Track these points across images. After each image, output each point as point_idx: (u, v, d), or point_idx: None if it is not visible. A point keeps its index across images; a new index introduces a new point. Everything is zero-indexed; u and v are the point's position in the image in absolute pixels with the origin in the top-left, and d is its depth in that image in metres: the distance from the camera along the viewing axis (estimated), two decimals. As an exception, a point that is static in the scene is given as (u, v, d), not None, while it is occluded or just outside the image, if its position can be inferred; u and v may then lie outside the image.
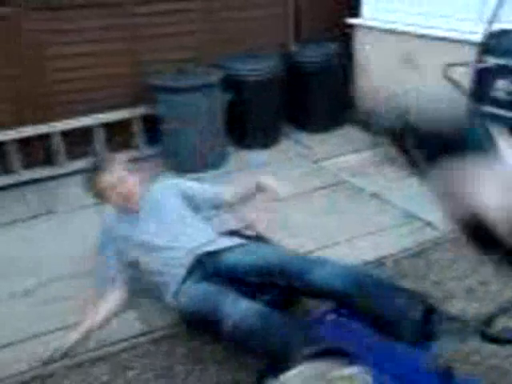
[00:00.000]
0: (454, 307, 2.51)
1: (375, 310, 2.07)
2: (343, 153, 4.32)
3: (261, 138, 4.47)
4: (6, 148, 3.95)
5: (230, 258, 2.45)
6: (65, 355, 2.34)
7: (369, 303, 2.09)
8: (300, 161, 4.23)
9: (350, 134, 4.72)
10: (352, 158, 4.22)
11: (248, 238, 2.72)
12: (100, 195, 2.60)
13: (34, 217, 3.59)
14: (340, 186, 3.79)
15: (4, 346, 2.41)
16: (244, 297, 2.22)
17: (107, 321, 2.52)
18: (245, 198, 2.88)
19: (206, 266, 2.45)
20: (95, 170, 2.59)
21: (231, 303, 2.17)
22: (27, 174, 4.05)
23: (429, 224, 3.19)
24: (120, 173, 2.58)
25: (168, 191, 2.72)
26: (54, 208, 3.69)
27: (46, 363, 2.31)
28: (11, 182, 3.99)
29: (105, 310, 2.54)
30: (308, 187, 3.77)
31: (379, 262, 2.91)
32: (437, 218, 3.20)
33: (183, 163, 4.11)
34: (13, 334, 2.46)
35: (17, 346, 2.42)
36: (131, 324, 2.51)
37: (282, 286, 2.33)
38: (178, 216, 2.63)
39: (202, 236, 2.57)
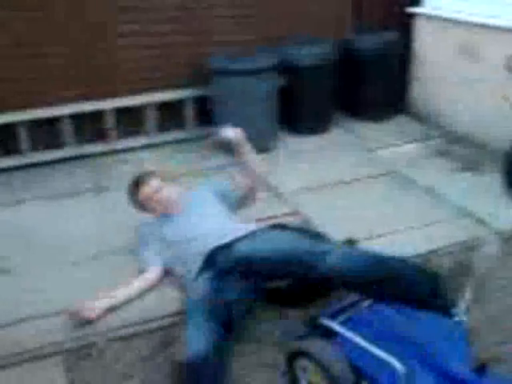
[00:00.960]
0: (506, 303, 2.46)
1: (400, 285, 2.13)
2: (396, 143, 4.22)
3: (312, 125, 4.42)
4: (60, 122, 4.03)
5: (241, 250, 2.41)
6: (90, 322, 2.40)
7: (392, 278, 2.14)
8: (352, 149, 4.15)
9: (403, 124, 4.61)
10: (405, 149, 4.12)
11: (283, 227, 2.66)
12: (142, 207, 2.86)
13: (83, 192, 3.65)
14: (393, 176, 3.70)
15: (50, 315, 2.46)
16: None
17: (137, 297, 2.55)
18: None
19: (218, 262, 2.42)
20: (136, 185, 2.87)
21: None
22: (79, 150, 4.12)
23: (482, 220, 3.09)
24: (157, 183, 2.83)
25: (205, 190, 2.95)
26: (104, 184, 3.75)
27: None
28: (63, 156, 4.07)
29: (137, 286, 2.58)
30: (360, 176, 3.70)
31: (431, 255, 2.83)
32: (490, 215, 3.12)
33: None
34: (60, 303, 2.50)
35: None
36: (171, 303, 2.52)
37: (298, 277, 2.33)
38: (216, 211, 2.78)
39: (219, 229, 2.59)
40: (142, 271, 2.66)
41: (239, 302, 2.32)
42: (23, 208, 3.44)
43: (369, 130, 4.47)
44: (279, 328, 2.40)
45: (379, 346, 1.97)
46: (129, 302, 2.51)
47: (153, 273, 2.64)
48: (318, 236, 2.55)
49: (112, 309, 2.46)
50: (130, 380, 2.14)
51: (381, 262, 2.21)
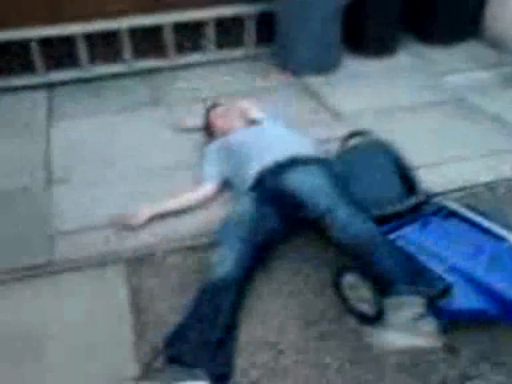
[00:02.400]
0: None
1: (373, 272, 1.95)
2: (465, 69, 3.99)
3: (377, 46, 4.20)
4: (118, 37, 3.95)
5: (284, 183, 2.30)
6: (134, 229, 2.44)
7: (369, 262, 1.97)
8: (417, 73, 3.95)
9: (474, 49, 4.33)
10: (474, 76, 3.89)
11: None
12: (211, 129, 2.98)
13: (140, 107, 3.61)
14: (459, 103, 3.51)
15: (109, 225, 2.50)
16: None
17: (186, 209, 2.56)
18: None
19: (266, 185, 2.36)
20: (210, 107, 3.09)
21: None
22: (137, 65, 4.05)
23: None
24: (225, 108, 3.03)
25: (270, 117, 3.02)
26: (161, 100, 3.71)
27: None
28: (120, 71, 4.02)
29: (187, 199, 2.60)
30: (425, 101, 3.54)
31: (490, 186, 2.73)
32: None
33: (295, 65, 3.95)
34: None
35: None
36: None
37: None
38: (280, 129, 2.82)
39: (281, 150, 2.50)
40: (195, 185, 2.67)
41: (278, 229, 2.30)
42: (80, 121, 3.44)
43: (437, 54, 4.23)
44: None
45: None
46: (178, 213, 2.54)
47: (207, 188, 2.64)
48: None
49: (158, 217, 2.49)
50: (187, 291, 2.17)
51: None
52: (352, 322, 2.04)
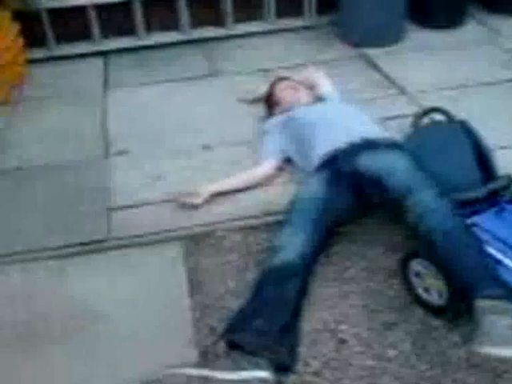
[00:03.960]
0: None
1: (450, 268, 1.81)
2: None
3: (444, 17, 3.97)
4: (176, 5, 3.86)
5: (361, 163, 2.17)
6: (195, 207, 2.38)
7: (448, 256, 1.82)
8: (487, 47, 3.72)
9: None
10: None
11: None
12: (274, 103, 2.86)
13: (199, 77, 3.54)
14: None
15: (167, 201, 2.46)
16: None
17: (246, 188, 2.49)
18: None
19: (338, 165, 2.22)
20: (276, 81, 2.97)
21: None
22: (194, 33, 3.97)
23: None
24: (292, 81, 2.93)
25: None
26: (219, 69, 3.62)
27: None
28: (177, 39, 3.94)
29: (246, 178, 2.52)
30: (497, 78, 3.31)
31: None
32: None
33: (356, 35, 3.80)
34: (176, 190, 2.49)
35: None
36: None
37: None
38: (345, 106, 2.70)
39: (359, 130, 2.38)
40: (255, 163, 2.58)
41: (347, 212, 2.19)
42: (137, 91, 3.40)
43: (508, 27, 3.97)
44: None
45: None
46: (238, 191, 2.47)
47: (266, 167, 2.55)
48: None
49: (218, 195, 2.43)
50: (247, 273, 2.11)
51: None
52: (419, 312, 1.94)
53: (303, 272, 1.95)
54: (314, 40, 3.94)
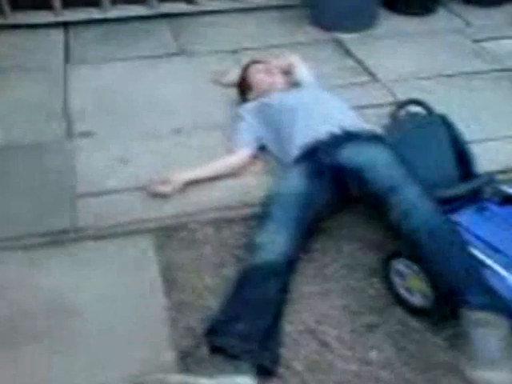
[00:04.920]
0: None
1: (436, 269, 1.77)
2: (508, 35, 3.75)
3: (415, 4, 3.92)
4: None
5: (344, 156, 2.09)
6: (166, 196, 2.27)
7: (432, 257, 1.78)
8: (456, 36, 3.69)
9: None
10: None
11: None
12: (248, 86, 2.73)
13: (168, 55, 3.37)
14: (504, 74, 3.28)
15: (136, 189, 2.32)
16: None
17: (218, 177, 2.38)
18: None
19: (319, 157, 2.13)
20: (249, 64, 2.82)
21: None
22: (160, 8, 3.77)
23: None
24: (267, 65, 2.78)
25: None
26: (188, 48, 3.46)
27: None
28: (144, 13, 3.74)
29: (220, 167, 2.41)
30: (467, 69, 3.29)
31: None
32: None
33: (328, 19, 3.69)
34: (145, 177, 2.35)
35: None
36: (266, 190, 2.32)
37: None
38: (322, 92, 2.60)
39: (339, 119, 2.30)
40: (228, 151, 2.48)
41: (328, 207, 2.12)
42: (101, 67, 3.21)
43: (479, 17, 3.95)
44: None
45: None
46: (211, 180, 2.35)
47: (241, 156, 2.45)
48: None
49: (190, 184, 2.31)
50: (223, 268, 2.02)
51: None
52: (399, 312, 1.91)
53: (285, 272, 1.87)
54: (286, 21, 3.82)
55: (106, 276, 1.97)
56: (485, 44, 3.59)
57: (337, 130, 2.20)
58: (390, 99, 2.94)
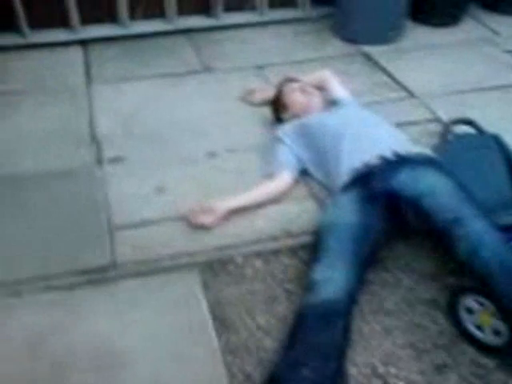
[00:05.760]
0: None
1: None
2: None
3: (442, 15, 3.81)
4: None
5: (401, 181, 1.96)
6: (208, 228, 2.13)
7: (506, 291, 1.66)
8: (485, 47, 3.57)
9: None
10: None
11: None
12: (283, 107, 2.60)
13: (190, 72, 3.25)
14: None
15: (177, 219, 2.20)
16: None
17: (263, 204, 2.24)
18: None
19: (372, 182, 2.01)
20: (282, 83, 2.68)
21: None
22: (181, 23, 3.66)
23: None
24: (302, 83, 2.64)
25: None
26: (211, 64, 3.34)
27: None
28: (163, 29, 3.63)
29: (269, 189, 2.28)
30: (497, 81, 3.16)
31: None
32: None
33: (353, 31, 3.59)
34: (184, 206, 2.24)
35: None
36: (311, 217, 2.20)
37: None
38: (367, 113, 2.44)
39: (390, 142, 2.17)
40: (269, 176, 2.33)
41: (384, 237, 1.99)
42: (123, 86, 3.08)
43: (505, 26, 3.83)
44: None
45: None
46: (252, 208, 2.21)
47: (284, 180, 2.31)
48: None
49: (232, 214, 2.17)
50: (276, 305, 1.89)
51: None
52: (469, 351, 1.77)
53: (347, 310, 1.74)
54: (308, 34, 3.72)
55: (151, 317, 1.83)
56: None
57: (388, 154, 2.07)
58: (429, 116, 2.82)
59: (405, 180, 1.97)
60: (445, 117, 2.73)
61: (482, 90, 3.08)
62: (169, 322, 1.82)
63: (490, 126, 2.42)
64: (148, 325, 1.81)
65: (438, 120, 2.77)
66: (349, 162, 2.11)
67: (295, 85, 2.63)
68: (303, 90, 2.59)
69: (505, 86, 3.12)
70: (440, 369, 1.73)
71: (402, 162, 2.05)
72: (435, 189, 1.91)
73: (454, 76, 3.21)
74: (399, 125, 2.64)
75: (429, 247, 2.09)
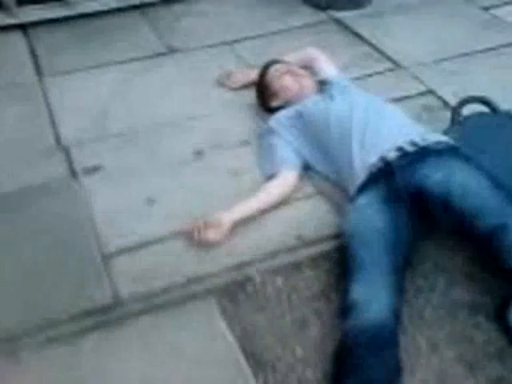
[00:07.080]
0: None
1: None
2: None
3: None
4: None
5: (421, 175, 1.78)
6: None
7: None
8: (462, 6, 3.41)
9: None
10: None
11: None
12: (270, 94, 2.32)
13: (154, 55, 2.92)
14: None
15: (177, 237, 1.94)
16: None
17: (277, 203, 2.02)
18: None
19: (393, 180, 1.81)
20: (266, 67, 2.39)
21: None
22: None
23: None
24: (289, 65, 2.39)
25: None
26: (174, 44, 3.02)
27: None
28: (114, 6, 3.26)
29: (275, 191, 2.03)
30: (483, 45, 2.97)
31: None
32: None
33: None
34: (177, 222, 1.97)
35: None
36: (325, 218, 2.00)
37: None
38: (370, 98, 2.17)
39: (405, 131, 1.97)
40: (271, 177, 2.09)
41: (414, 236, 1.79)
42: (82, 77, 2.73)
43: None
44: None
45: None
46: (263, 214, 1.97)
47: (289, 177, 2.08)
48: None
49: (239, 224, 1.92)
50: (306, 329, 1.69)
51: None
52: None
53: (396, 332, 1.57)
54: (272, 2, 3.42)
55: (169, 361, 1.59)
56: (495, 11, 3.31)
57: (405, 145, 1.87)
58: (422, 88, 2.63)
59: (429, 174, 1.76)
60: (438, 89, 2.58)
61: (471, 54, 2.91)
62: (195, 365, 1.58)
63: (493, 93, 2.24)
64: (172, 370, 1.56)
65: (432, 92, 2.60)
66: (362, 157, 1.90)
67: (282, 67, 2.36)
68: (292, 73, 2.33)
69: (493, 47, 2.96)
70: (497, 382, 1.59)
71: (422, 153, 1.85)
72: (469, 188, 1.71)
73: (438, 42, 3.02)
74: (395, 101, 2.45)
75: (455, 242, 1.92)
